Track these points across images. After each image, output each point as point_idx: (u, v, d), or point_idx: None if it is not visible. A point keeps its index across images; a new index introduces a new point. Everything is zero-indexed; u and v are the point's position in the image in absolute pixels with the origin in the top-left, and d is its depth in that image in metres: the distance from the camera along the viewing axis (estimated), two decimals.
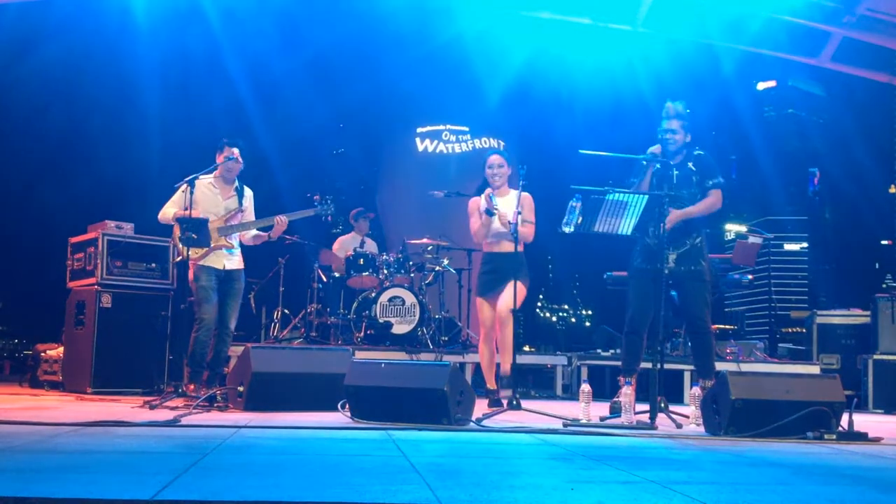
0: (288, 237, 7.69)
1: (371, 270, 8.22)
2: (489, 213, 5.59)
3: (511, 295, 5.41)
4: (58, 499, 2.05)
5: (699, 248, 5.38)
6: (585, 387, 4.81)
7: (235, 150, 5.86)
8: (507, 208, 5.57)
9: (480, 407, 5.14)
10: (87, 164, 10.52)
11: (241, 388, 5.14)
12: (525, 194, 5.59)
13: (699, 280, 5.34)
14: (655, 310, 5.03)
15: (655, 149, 5.37)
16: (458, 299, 8.93)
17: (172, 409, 4.97)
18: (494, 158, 5.81)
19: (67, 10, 8.97)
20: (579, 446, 3.66)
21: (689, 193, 5.39)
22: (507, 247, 5.52)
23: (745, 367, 7.17)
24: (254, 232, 6.01)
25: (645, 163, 5.32)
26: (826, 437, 4.12)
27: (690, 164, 5.44)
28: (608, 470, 2.94)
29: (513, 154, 6.23)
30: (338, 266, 8.60)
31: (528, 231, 5.65)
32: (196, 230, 5.57)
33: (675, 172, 5.43)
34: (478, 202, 5.73)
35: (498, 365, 5.75)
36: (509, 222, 5.46)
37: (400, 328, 7.95)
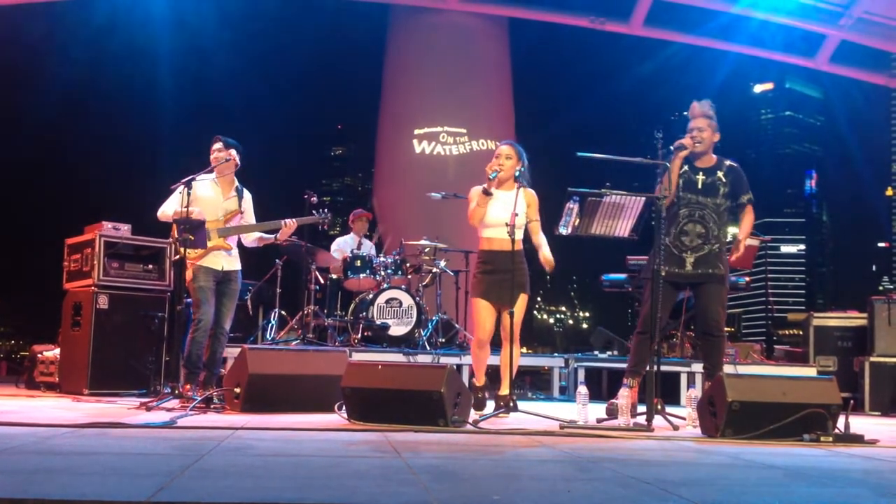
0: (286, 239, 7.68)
1: (368, 272, 8.21)
2: (487, 192, 5.29)
3: (522, 310, 5.31)
4: (54, 500, 2.05)
5: (717, 252, 5.28)
6: (582, 388, 4.81)
7: (220, 146, 5.76)
8: (508, 205, 5.29)
9: None
10: (84, 166, 10.53)
11: (237, 390, 5.13)
12: (529, 191, 5.40)
13: (718, 282, 5.25)
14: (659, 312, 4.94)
15: (686, 141, 5.19)
16: (456, 301, 8.92)
17: (169, 410, 4.97)
18: (504, 149, 5.48)
19: (69, 13, 8.97)
20: (576, 448, 3.66)
21: (714, 203, 5.27)
22: (505, 244, 5.22)
23: (742, 369, 7.16)
24: (256, 234, 5.98)
25: (672, 150, 5.11)
26: (822, 439, 4.12)
27: (720, 174, 5.31)
28: (605, 472, 2.94)
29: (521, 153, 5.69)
30: (335, 267, 8.59)
31: (535, 228, 5.41)
32: (193, 231, 5.51)
33: (702, 177, 5.29)
34: (478, 190, 5.53)
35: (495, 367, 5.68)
36: (507, 223, 5.29)
37: (397, 330, 7.94)
